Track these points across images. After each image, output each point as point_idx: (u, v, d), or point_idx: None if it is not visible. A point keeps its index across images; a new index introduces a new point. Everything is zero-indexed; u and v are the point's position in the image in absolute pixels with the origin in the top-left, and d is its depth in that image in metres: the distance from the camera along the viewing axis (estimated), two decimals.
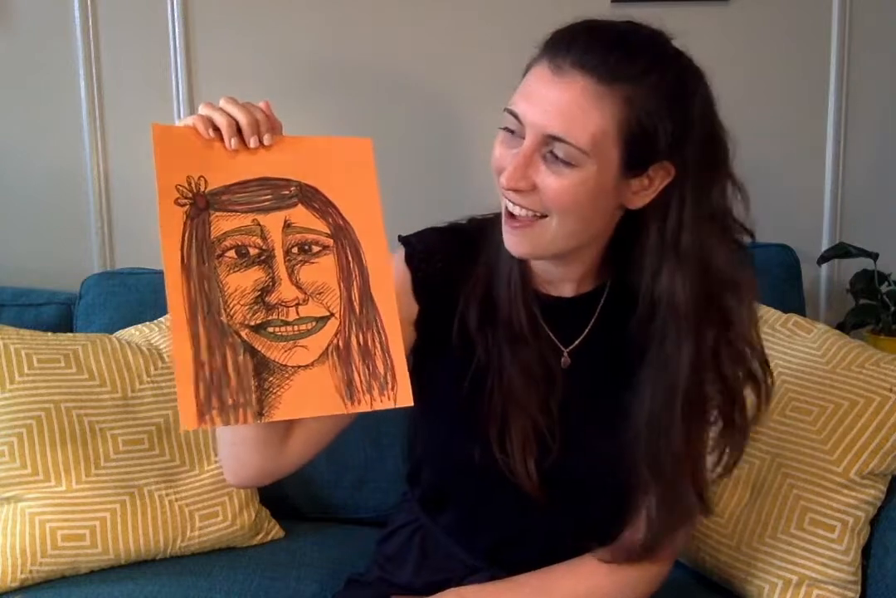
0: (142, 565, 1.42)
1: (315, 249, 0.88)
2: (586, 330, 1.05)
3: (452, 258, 1.04)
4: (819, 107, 1.92)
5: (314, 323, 0.87)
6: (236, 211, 0.86)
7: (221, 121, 0.87)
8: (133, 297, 1.69)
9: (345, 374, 0.86)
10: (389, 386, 0.87)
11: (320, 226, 0.88)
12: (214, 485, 1.47)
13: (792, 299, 1.70)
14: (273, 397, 0.84)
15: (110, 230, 1.93)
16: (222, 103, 0.89)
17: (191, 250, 0.84)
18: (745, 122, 1.94)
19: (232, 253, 0.85)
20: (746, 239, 1.01)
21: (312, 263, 0.87)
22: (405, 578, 1.14)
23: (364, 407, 0.86)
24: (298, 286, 0.86)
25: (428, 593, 1.08)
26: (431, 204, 1.80)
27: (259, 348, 0.84)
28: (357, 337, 0.87)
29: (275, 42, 1.88)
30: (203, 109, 0.89)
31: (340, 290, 0.88)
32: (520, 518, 1.08)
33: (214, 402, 0.82)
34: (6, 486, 1.38)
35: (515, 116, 0.91)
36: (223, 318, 0.84)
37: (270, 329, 0.85)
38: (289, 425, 0.98)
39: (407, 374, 0.87)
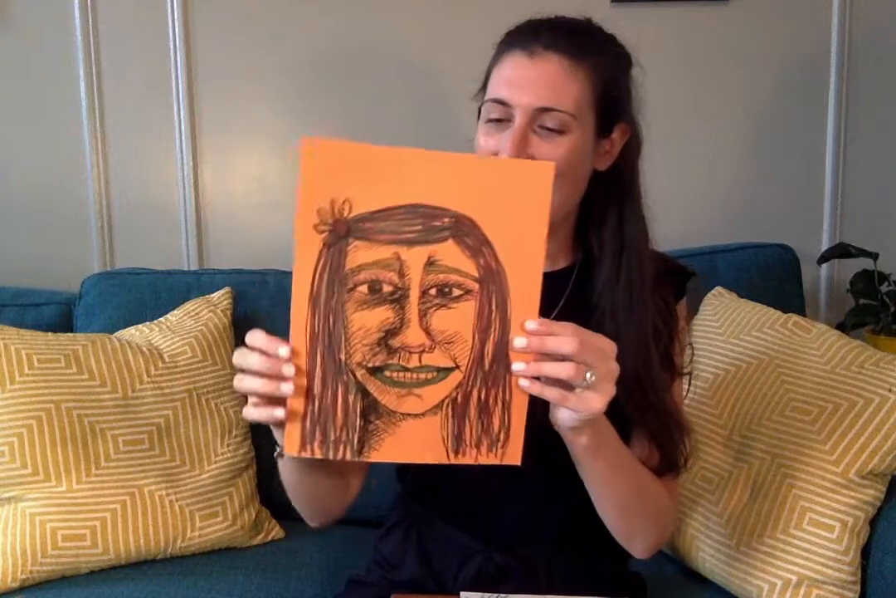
0: (142, 565, 1.42)
1: (456, 292, 0.79)
2: (561, 303, 1.10)
3: None
4: (819, 107, 1.92)
5: (435, 373, 0.81)
6: (378, 241, 0.78)
7: None
8: (133, 297, 1.69)
9: (456, 427, 0.82)
10: (500, 444, 0.82)
11: (468, 267, 0.79)
12: (214, 485, 1.47)
13: (792, 299, 1.70)
14: (375, 439, 0.82)
15: (110, 230, 1.93)
16: None
17: (322, 282, 0.78)
18: (745, 121, 1.96)
19: (364, 288, 0.79)
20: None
21: (449, 308, 0.79)
22: (406, 574, 1.15)
23: (468, 460, 0.83)
24: (427, 332, 0.79)
25: (430, 586, 1.10)
26: None
27: (372, 391, 0.81)
28: (479, 392, 0.81)
29: (275, 41, 1.88)
30: None
31: (474, 342, 0.80)
32: (512, 491, 1.09)
33: (318, 435, 0.81)
34: (6, 486, 1.38)
35: (501, 102, 1.00)
36: (342, 355, 0.80)
37: (388, 373, 0.80)
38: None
39: (522, 434, 0.82)
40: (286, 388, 0.80)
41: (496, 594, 1.04)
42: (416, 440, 0.82)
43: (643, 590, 1.20)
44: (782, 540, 1.27)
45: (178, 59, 1.87)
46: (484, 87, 1.07)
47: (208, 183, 1.93)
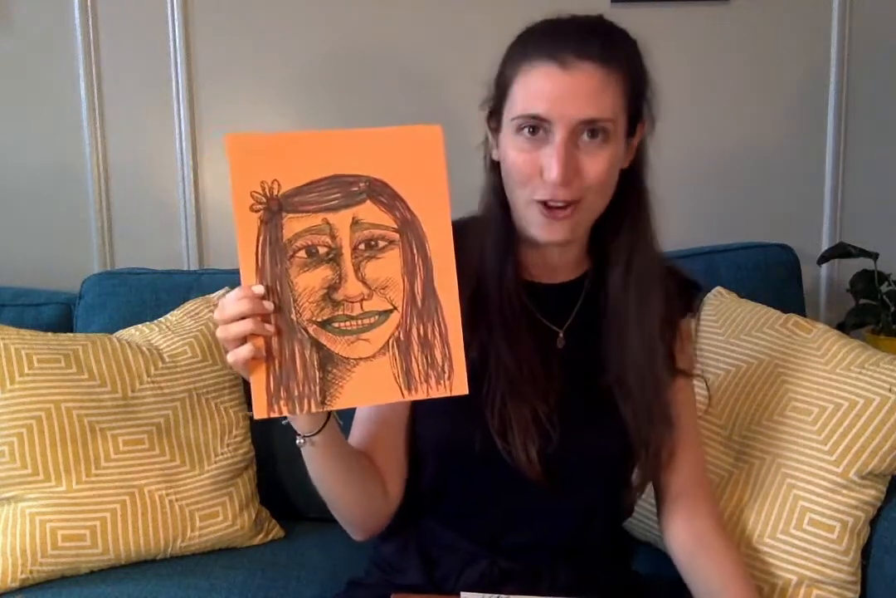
0: (142, 565, 1.42)
1: (381, 244, 0.90)
2: (574, 311, 1.11)
3: None
4: (819, 107, 1.93)
5: (377, 317, 0.90)
6: (307, 211, 0.88)
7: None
8: (133, 297, 1.69)
9: (404, 364, 0.90)
10: (446, 376, 0.90)
11: (387, 220, 0.90)
12: (214, 485, 1.47)
13: (792, 299, 1.70)
14: (335, 387, 0.89)
15: (110, 230, 1.93)
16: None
17: (265, 254, 0.88)
18: (745, 121, 1.96)
19: (302, 253, 0.88)
20: None
21: (378, 258, 0.90)
22: (408, 577, 1.15)
23: (420, 395, 0.90)
24: (364, 282, 0.89)
25: (431, 589, 1.10)
26: None
27: (324, 343, 0.89)
28: (418, 329, 0.90)
29: (275, 41, 1.88)
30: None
31: (404, 284, 0.90)
32: (519, 501, 1.09)
33: (283, 393, 0.88)
34: (6, 486, 1.38)
35: (536, 117, 0.97)
36: (293, 316, 0.88)
37: (336, 324, 0.89)
38: (375, 472, 1.09)
39: (464, 364, 0.91)
40: (270, 327, 0.87)
41: (497, 595, 1.05)
42: (371, 382, 0.90)
43: (645, 590, 1.20)
44: (782, 540, 1.27)
45: (178, 59, 1.87)
46: (497, 97, 1.03)
47: (208, 183, 1.93)
